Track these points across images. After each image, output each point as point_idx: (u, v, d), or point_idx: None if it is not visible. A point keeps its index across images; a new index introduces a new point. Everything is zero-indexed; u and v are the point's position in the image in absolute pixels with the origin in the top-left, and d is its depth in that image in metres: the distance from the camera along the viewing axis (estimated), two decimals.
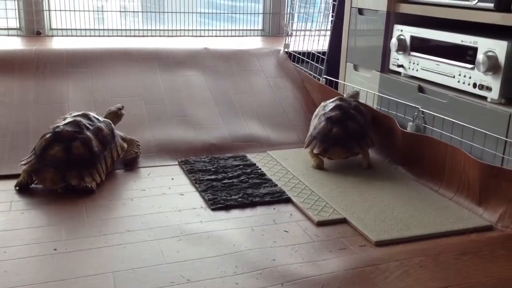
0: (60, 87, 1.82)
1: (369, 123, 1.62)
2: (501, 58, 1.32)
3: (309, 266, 1.04)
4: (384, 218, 1.25)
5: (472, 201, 1.33)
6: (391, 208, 1.31)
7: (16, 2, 2.32)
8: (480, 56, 1.36)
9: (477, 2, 1.39)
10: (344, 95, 1.75)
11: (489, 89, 1.36)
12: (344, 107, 1.60)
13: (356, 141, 1.56)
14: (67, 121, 1.42)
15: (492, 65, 1.33)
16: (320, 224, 1.23)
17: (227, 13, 2.74)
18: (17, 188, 1.36)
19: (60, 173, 1.33)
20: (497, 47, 1.33)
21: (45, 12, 2.37)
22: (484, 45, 1.36)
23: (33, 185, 1.37)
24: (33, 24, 2.35)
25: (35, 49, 1.97)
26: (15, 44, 2.12)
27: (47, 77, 1.85)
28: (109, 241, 1.11)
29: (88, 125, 1.43)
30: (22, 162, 1.38)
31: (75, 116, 1.45)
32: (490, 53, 1.34)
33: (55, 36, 2.40)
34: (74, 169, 1.35)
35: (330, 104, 1.64)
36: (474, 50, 1.39)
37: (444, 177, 1.43)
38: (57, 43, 2.20)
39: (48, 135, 1.38)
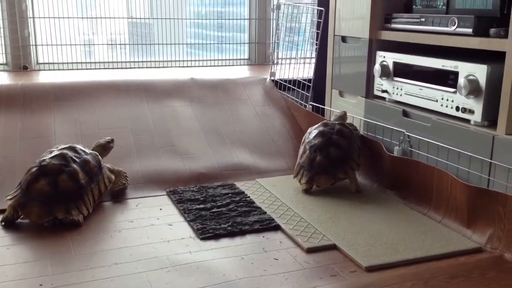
0: (47, 121, 1.82)
1: (355, 144, 1.62)
2: (482, 82, 1.34)
3: None
4: (374, 242, 1.25)
5: (460, 224, 1.33)
6: (381, 233, 1.31)
7: (2, 38, 2.34)
8: (461, 80, 1.38)
9: (456, 28, 1.42)
10: (332, 118, 1.77)
11: (471, 112, 1.38)
12: (326, 133, 1.61)
13: (340, 166, 1.57)
14: (53, 154, 1.42)
15: (473, 89, 1.36)
16: (310, 251, 1.22)
17: (214, 43, 2.77)
18: (3, 223, 1.34)
19: (46, 207, 1.32)
20: (478, 70, 1.35)
21: (31, 47, 2.39)
22: (465, 69, 1.39)
23: (19, 220, 1.35)
24: (20, 59, 2.36)
25: (21, 84, 1.97)
26: (1, 79, 2.12)
27: (34, 111, 1.85)
28: (96, 274, 1.10)
29: (74, 158, 1.42)
30: (8, 197, 1.37)
31: (61, 149, 1.45)
32: (471, 77, 1.37)
33: (42, 70, 2.41)
34: (61, 203, 1.33)
35: (314, 130, 1.65)
36: (455, 74, 1.42)
37: (432, 200, 1.43)
38: (44, 77, 2.21)
39: (33, 169, 1.37)
